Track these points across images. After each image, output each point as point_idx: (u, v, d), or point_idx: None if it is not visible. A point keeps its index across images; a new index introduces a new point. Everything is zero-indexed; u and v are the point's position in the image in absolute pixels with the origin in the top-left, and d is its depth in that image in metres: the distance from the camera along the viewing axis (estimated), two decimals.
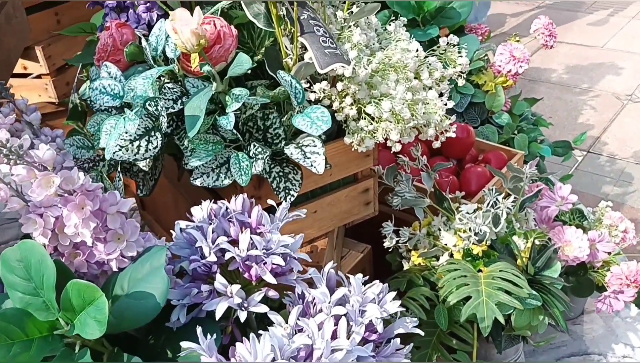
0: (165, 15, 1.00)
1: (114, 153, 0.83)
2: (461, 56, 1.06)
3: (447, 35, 1.64)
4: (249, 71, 1.00)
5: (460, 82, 1.08)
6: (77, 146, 0.91)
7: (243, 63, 0.83)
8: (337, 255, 1.20)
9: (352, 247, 1.27)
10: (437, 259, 1.16)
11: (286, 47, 0.94)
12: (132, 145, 0.85)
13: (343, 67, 0.88)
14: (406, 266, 1.20)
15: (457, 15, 1.56)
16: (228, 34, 0.89)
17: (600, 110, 2.67)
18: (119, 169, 0.89)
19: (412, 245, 1.17)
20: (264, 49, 1.00)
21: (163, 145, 0.87)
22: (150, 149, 0.86)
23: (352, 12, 0.95)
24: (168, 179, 1.14)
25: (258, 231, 0.80)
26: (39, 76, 1.87)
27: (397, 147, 0.93)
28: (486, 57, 1.61)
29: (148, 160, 0.89)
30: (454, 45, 1.07)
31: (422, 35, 1.52)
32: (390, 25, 1.07)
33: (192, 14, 1.05)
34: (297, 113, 0.89)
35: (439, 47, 1.08)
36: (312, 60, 0.88)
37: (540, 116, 1.77)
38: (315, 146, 0.90)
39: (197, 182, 0.90)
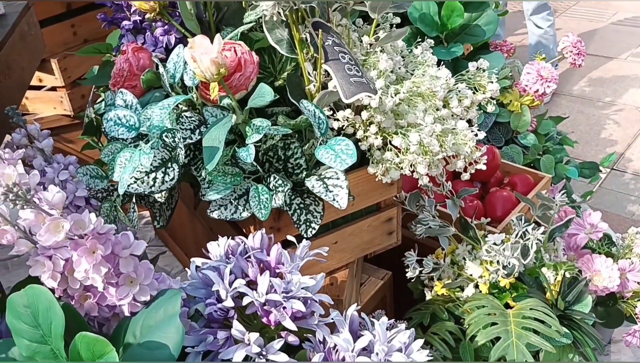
0: (183, 39, 0.96)
1: (128, 186, 0.80)
2: (491, 81, 1.01)
3: (471, 53, 1.60)
4: None
5: (490, 108, 1.03)
6: (90, 176, 0.88)
7: (265, 95, 0.79)
8: (356, 283, 1.16)
9: (372, 273, 1.23)
10: (462, 290, 1.11)
11: (309, 74, 0.90)
12: (148, 178, 0.81)
13: (369, 97, 0.84)
14: (429, 296, 1.15)
15: (482, 33, 1.50)
16: (249, 61, 0.85)
17: (624, 125, 2.60)
18: (134, 200, 0.86)
19: (437, 276, 1.12)
20: (285, 74, 0.96)
21: (180, 177, 0.83)
22: (166, 181, 0.82)
23: (378, 37, 0.90)
24: (184, 201, 1.10)
25: (277, 271, 0.76)
26: (54, 89, 1.85)
27: (425, 180, 0.89)
28: (511, 75, 1.56)
29: (164, 191, 0.85)
30: (484, 70, 1.02)
31: (446, 54, 1.47)
32: (416, 48, 1.03)
33: (212, 36, 1.02)
34: (320, 144, 0.85)
35: (467, 71, 1.03)
36: (337, 89, 0.84)
37: (566, 135, 1.71)
38: (338, 179, 0.85)
39: (215, 215, 0.86)
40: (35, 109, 1.89)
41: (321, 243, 0.98)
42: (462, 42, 1.53)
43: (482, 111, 1.53)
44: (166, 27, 0.95)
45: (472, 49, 1.60)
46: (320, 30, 0.86)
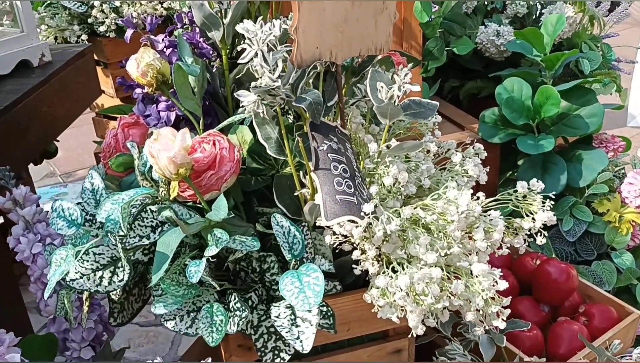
0: (185, 118, 0.87)
1: (73, 280, 0.71)
2: (544, 209, 0.81)
3: (566, 147, 1.36)
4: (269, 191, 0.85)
5: (539, 240, 0.83)
6: (55, 264, 0.81)
7: (220, 209, 0.67)
8: None
9: None
10: None
11: (304, 177, 0.77)
12: (94, 275, 0.73)
13: (353, 222, 0.68)
14: None
15: (584, 126, 1.26)
16: (227, 159, 0.73)
17: None
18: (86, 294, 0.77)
19: None
20: (288, 168, 0.84)
21: (131, 278, 0.74)
22: (114, 282, 0.73)
23: (389, 145, 0.75)
24: None
25: None
26: None
27: (419, 330, 0.71)
28: (613, 181, 1.30)
29: (118, 290, 0.76)
30: (537, 193, 0.82)
31: (533, 146, 1.25)
32: (456, 153, 0.86)
33: (228, 112, 0.92)
34: (292, 268, 0.71)
35: (515, 191, 0.83)
36: (319, 205, 0.70)
37: None
38: (309, 311, 0.71)
39: (169, 325, 0.75)
40: None
41: None
42: (557, 134, 1.30)
43: (570, 215, 1.30)
44: (170, 102, 0.87)
45: (566, 144, 1.37)
46: (316, 132, 0.72)
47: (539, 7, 1.57)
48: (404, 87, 0.69)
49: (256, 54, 0.68)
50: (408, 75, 0.68)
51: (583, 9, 1.48)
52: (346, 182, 0.71)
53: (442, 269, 0.70)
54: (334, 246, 0.76)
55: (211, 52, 0.92)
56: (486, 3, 1.56)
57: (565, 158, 1.29)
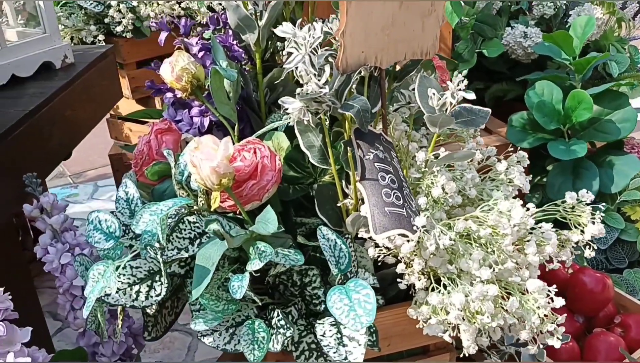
0: (220, 124, 0.84)
1: (108, 295, 0.68)
2: (594, 222, 0.78)
3: (597, 152, 1.33)
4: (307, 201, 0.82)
5: (588, 253, 0.80)
6: (85, 268, 0.78)
7: (269, 222, 0.64)
8: None
9: None
10: None
11: (346, 186, 0.74)
12: (131, 290, 0.69)
13: (405, 236, 0.65)
14: None
15: (616, 131, 1.23)
16: (269, 168, 0.70)
17: None
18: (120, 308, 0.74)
19: None
20: (327, 177, 0.80)
21: (169, 292, 0.71)
22: (151, 297, 0.70)
23: (437, 155, 0.72)
24: None
25: None
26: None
27: (472, 350, 0.68)
28: None
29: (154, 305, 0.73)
30: (587, 204, 0.79)
31: (565, 152, 1.22)
32: (500, 161, 0.82)
33: (261, 118, 0.89)
34: (337, 284, 0.68)
35: (564, 202, 0.80)
36: (367, 217, 0.67)
37: None
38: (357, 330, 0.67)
39: (206, 341, 0.72)
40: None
41: None
42: (588, 139, 1.27)
43: (601, 221, 1.27)
44: (203, 107, 0.84)
45: (597, 149, 1.33)
46: (361, 141, 0.69)
47: (564, 8, 1.54)
48: (457, 94, 0.66)
49: (303, 59, 0.64)
50: (463, 81, 0.65)
51: (612, 10, 1.44)
52: (394, 193, 0.67)
53: (492, 284, 0.67)
54: (378, 259, 0.73)
55: (243, 55, 0.89)
56: (510, 4, 1.52)
57: (596, 163, 1.26)
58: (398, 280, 0.73)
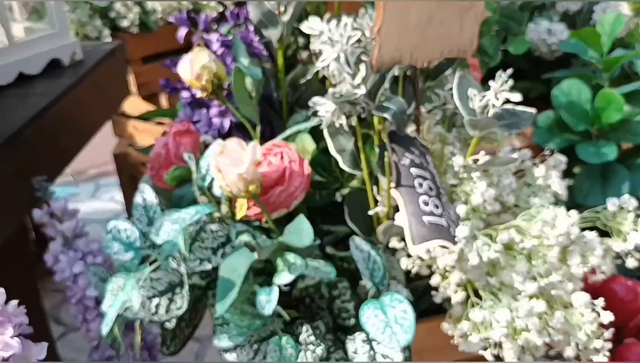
0: (240, 126, 0.79)
1: (126, 309, 0.64)
2: (637, 230, 0.73)
3: (626, 155, 1.28)
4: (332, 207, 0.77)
5: (631, 262, 0.75)
6: (100, 278, 0.73)
7: (302, 233, 0.59)
8: None
9: None
10: None
11: (377, 194, 0.69)
12: (150, 302, 0.65)
13: (445, 247, 0.61)
14: None
15: None
16: (297, 173, 0.66)
17: None
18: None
19: None
20: (354, 181, 0.76)
21: (191, 304, 0.66)
22: (171, 310, 0.65)
23: (476, 160, 0.67)
24: None
25: None
26: (161, 123, 1.79)
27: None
28: None
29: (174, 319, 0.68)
30: (629, 211, 0.75)
31: (593, 155, 1.17)
32: (537, 165, 0.78)
33: (283, 118, 0.85)
34: (370, 299, 0.63)
35: (604, 208, 0.76)
36: (404, 227, 0.62)
37: None
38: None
39: (230, 357, 0.67)
40: (143, 141, 1.84)
41: None
42: (617, 141, 1.22)
43: None
44: (223, 108, 0.79)
45: (626, 152, 1.28)
46: (396, 145, 0.65)
47: (588, 3, 1.49)
48: (501, 95, 0.61)
49: (337, 57, 0.60)
50: (508, 82, 0.60)
51: (638, 7, 1.39)
52: (433, 201, 0.63)
53: (538, 298, 0.63)
54: (411, 271, 0.69)
55: (263, 52, 0.85)
56: None
57: (625, 166, 1.21)
58: (433, 292, 0.69)
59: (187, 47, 1.77)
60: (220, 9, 1.63)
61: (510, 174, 0.76)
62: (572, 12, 1.43)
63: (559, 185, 0.77)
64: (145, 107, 1.79)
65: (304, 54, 0.90)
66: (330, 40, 0.60)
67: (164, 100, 1.74)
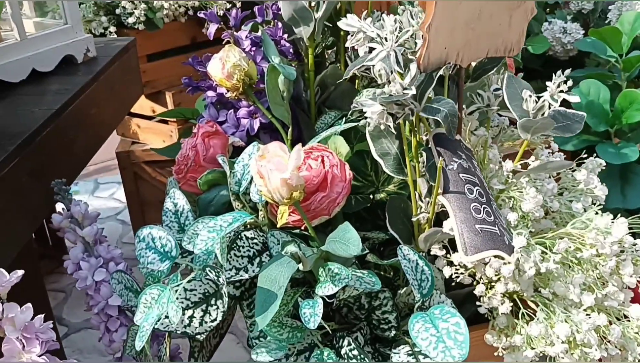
0: (270, 126, 0.76)
1: (157, 320, 0.60)
2: None
3: None
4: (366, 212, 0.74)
5: None
6: (125, 286, 0.70)
7: (350, 242, 0.56)
8: None
9: None
10: None
11: (419, 199, 0.66)
12: (183, 314, 0.61)
13: (500, 258, 0.58)
14: None
15: None
16: (339, 178, 0.62)
17: None
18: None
19: None
20: (391, 186, 0.73)
21: (225, 315, 0.63)
22: (205, 323, 0.62)
23: (526, 163, 0.64)
24: None
25: None
26: (165, 121, 1.75)
27: None
28: None
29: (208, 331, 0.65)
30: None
31: (614, 156, 1.15)
32: (579, 170, 0.75)
33: (311, 119, 0.81)
34: (418, 309, 0.60)
35: None
36: (454, 235, 0.59)
37: None
38: None
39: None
40: (146, 139, 1.80)
41: None
42: (636, 141, 1.20)
43: None
44: (252, 108, 0.76)
45: None
46: (442, 148, 0.62)
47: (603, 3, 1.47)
48: (558, 96, 0.58)
49: (387, 56, 0.56)
50: (566, 82, 0.57)
51: None
52: (484, 208, 0.60)
53: (594, 311, 0.60)
54: (454, 279, 0.66)
55: (290, 50, 0.81)
56: None
57: None
58: (477, 303, 0.66)
59: (192, 45, 1.74)
60: (228, 6, 1.60)
61: (552, 179, 0.73)
62: (587, 11, 1.40)
63: (601, 190, 0.74)
64: (150, 105, 1.74)
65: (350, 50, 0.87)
66: (379, 38, 0.56)
67: (168, 99, 1.69)
